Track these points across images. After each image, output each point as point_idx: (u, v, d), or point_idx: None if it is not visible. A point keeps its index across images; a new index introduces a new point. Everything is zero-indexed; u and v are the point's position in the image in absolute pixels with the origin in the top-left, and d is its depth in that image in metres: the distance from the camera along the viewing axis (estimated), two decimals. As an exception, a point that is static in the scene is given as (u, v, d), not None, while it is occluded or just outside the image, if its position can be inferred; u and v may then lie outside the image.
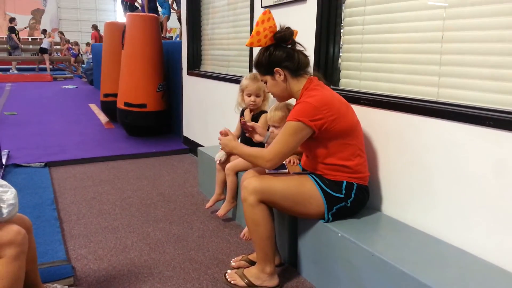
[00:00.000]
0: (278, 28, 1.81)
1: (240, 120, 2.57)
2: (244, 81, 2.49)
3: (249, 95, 2.47)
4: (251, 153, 1.81)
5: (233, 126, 2.66)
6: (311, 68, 1.90)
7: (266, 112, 2.49)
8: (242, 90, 2.51)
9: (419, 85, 1.80)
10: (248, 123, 2.10)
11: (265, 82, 1.90)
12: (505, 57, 1.48)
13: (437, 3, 1.70)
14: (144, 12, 7.32)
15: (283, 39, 1.81)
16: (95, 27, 13.58)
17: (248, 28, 3.05)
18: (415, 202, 1.77)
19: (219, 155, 2.55)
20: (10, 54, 14.70)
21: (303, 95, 1.80)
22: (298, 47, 1.86)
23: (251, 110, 2.55)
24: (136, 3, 8.04)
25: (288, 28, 1.82)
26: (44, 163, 3.66)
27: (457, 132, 1.58)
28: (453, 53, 1.65)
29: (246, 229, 2.36)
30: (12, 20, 14.71)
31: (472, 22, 1.58)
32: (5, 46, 15.14)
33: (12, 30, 14.23)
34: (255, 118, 2.51)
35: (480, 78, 1.56)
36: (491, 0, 1.51)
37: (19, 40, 14.57)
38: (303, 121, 1.69)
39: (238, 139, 2.63)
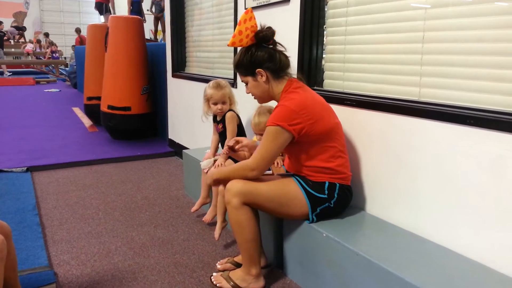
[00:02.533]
0: (259, 28, 1.80)
1: (217, 127, 2.56)
2: (209, 91, 2.46)
3: (215, 104, 2.46)
4: (235, 168, 1.79)
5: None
6: (291, 69, 1.89)
7: (230, 110, 2.48)
8: (207, 100, 2.48)
9: (401, 85, 1.82)
10: (234, 146, 2.06)
11: (246, 84, 1.87)
12: (484, 56, 1.50)
13: (418, 4, 1.72)
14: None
15: (265, 39, 1.79)
16: (78, 31, 13.43)
17: (232, 29, 3.04)
18: (399, 201, 1.78)
19: (206, 164, 2.52)
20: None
21: (282, 98, 1.79)
22: (279, 47, 1.84)
23: (218, 117, 2.54)
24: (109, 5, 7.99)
25: (270, 28, 1.80)
26: (26, 168, 3.59)
27: (438, 131, 1.59)
28: (433, 53, 1.67)
29: (208, 212, 2.48)
30: None
31: (452, 22, 1.60)
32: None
33: None
34: (222, 120, 2.50)
35: (461, 78, 1.58)
36: (471, 1, 1.53)
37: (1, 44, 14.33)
38: (282, 125, 1.68)
39: (217, 143, 2.63)
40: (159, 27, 8.60)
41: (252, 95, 1.91)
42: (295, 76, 1.90)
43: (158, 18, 8.40)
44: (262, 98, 1.90)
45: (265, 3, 2.57)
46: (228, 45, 1.83)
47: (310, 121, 1.71)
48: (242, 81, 1.90)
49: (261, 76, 1.80)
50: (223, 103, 2.45)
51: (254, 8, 2.70)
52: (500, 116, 1.40)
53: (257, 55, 1.78)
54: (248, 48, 1.80)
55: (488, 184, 1.44)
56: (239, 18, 2.90)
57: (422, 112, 1.65)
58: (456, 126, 1.53)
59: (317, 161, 1.77)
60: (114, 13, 8.22)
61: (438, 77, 1.66)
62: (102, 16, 8.21)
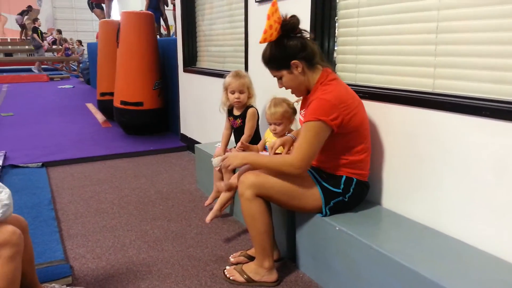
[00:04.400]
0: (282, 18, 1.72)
1: (229, 119, 2.57)
2: (227, 79, 2.46)
3: (233, 92, 2.44)
4: (274, 162, 1.72)
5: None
6: (321, 56, 1.82)
7: (252, 106, 2.48)
8: (225, 88, 2.48)
9: (415, 77, 1.79)
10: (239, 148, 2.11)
11: (280, 78, 1.80)
12: (500, 46, 1.46)
13: (432, -7, 1.69)
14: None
15: (292, 28, 1.72)
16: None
17: (243, 23, 3.03)
18: (414, 195, 1.77)
19: (217, 161, 2.52)
20: (32, 54, 14.86)
21: (318, 90, 1.73)
22: (306, 35, 1.77)
23: (235, 111, 2.54)
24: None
25: (294, 16, 1.73)
26: (41, 163, 3.64)
27: (453, 123, 1.57)
28: (448, 44, 1.64)
29: (210, 196, 2.54)
30: (35, 20, 14.57)
31: (466, 12, 1.57)
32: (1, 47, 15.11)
33: (35, 30, 14.14)
34: (242, 115, 2.50)
35: (476, 68, 1.55)
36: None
37: (42, 40, 14.42)
38: (324, 120, 1.63)
39: (229, 138, 2.64)
40: (167, 22, 8.58)
41: (287, 89, 1.84)
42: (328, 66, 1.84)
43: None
44: (299, 90, 1.83)
45: (276, -4, 2.55)
46: (260, 42, 1.73)
47: (348, 115, 1.67)
48: (274, 76, 1.81)
49: (297, 67, 1.73)
50: (241, 92, 2.44)
51: (264, 0, 2.68)
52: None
53: (290, 46, 1.71)
54: (277, 41, 1.72)
55: (502, 176, 1.42)
56: (249, 11, 2.91)
57: (436, 104, 1.63)
58: (471, 117, 1.50)
59: (345, 155, 1.74)
60: (108, 11, 8.18)
61: (453, 68, 1.63)
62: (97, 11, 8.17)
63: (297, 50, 1.71)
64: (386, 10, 1.90)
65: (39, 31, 14.20)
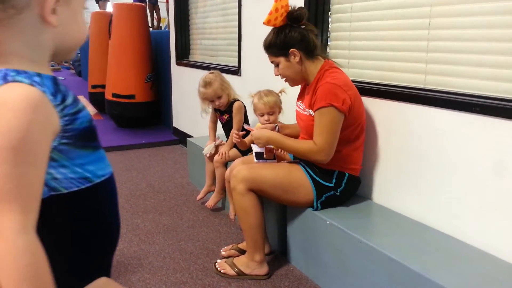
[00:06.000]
0: (290, 8, 1.75)
1: (216, 115, 2.60)
2: (200, 90, 2.46)
3: (212, 101, 2.45)
4: (301, 147, 1.74)
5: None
6: (323, 49, 1.85)
7: (236, 100, 2.48)
8: (202, 99, 2.48)
9: (407, 73, 1.80)
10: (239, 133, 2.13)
11: (276, 65, 1.83)
12: (491, 43, 1.48)
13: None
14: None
15: (298, 19, 1.75)
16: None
17: (236, 16, 3.01)
18: (404, 190, 1.78)
19: (207, 149, 2.54)
20: None
21: (326, 76, 1.75)
22: (310, 27, 1.81)
23: (221, 110, 2.54)
24: None
25: (302, 8, 1.77)
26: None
27: (444, 118, 1.58)
28: (440, 40, 1.65)
29: (211, 197, 2.54)
30: None
31: (458, 9, 1.58)
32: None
33: None
34: (228, 110, 2.50)
35: (467, 65, 1.56)
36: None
37: None
38: (336, 105, 1.64)
39: (215, 130, 2.65)
40: (159, 15, 8.53)
41: (282, 77, 1.86)
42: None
43: (153, 6, 8.36)
44: (294, 79, 1.86)
45: (269, -10, 2.54)
46: (263, 23, 1.76)
47: (354, 102, 1.70)
48: (271, 62, 1.85)
49: (294, 56, 1.76)
50: (219, 97, 2.44)
51: (258, -6, 2.67)
52: (506, 104, 1.39)
53: (290, 36, 1.74)
54: (281, 29, 1.76)
55: (491, 171, 1.44)
56: (243, 5, 2.90)
57: (427, 100, 1.64)
58: (462, 113, 1.51)
59: (342, 148, 1.75)
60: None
61: (444, 64, 1.64)
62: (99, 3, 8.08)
63: (297, 40, 1.75)
64: (379, 6, 1.91)
65: None
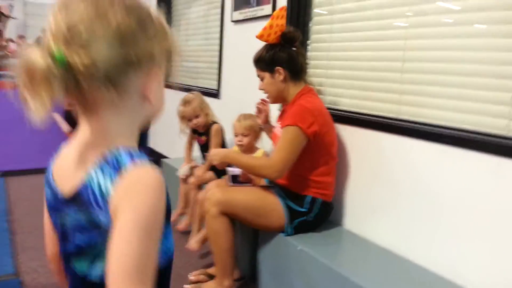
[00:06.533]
0: (286, 29, 1.80)
1: (194, 137, 2.59)
2: (180, 108, 2.48)
3: (190, 120, 2.46)
4: (253, 164, 1.75)
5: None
6: (307, 75, 1.91)
7: (215, 123, 2.48)
8: (181, 118, 2.49)
9: (382, 102, 1.84)
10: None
11: (262, 79, 1.86)
12: (462, 77, 1.53)
13: (399, 23, 1.76)
14: None
15: (291, 40, 1.80)
16: None
17: (218, 41, 3.05)
18: (375, 217, 1.79)
19: (183, 171, 2.51)
20: None
21: (300, 98, 1.79)
22: (301, 51, 1.86)
23: (199, 131, 2.53)
24: None
25: (297, 30, 1.83)
26: (0, 173, 3.49)
27: (416, 149, 1.61)
28: (413, 72, 1.70)
29: (183, 220, 2.46)
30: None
31: (431, 43, 1.64)
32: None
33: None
34: (206, 132, 2.50)
35: (438, 97, 1.61)
36: (450, 23, 1.57)
37: None
38: (301, 127, 1.67)
39: (191, 151, 2.63)
40: None
41: (265, 92, 1.89)
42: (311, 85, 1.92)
43: None
44: (274, 96, 1.89)
45: (251, 17, 2.60)
46: (256, 37, 1.81)
47: (324, 128, 1.72)
48: (257, 75, 1.88)
49: (279, 74, 1.80)
50: (196, 116, 2.44)
51: (240, 21, 2.72)
52: (474, 136, 1.43)
53: (279, 54, 1.79)
54: (272, 46, 1.81)
55: (459, 201, 1.46)
56: (225, 31, 2.94)
57: (401, 130, 1.67)
58: (433, 144, 1.55)
59: (311, 173, 1.76)
60: None
61: (417, 96, 1.69)
62: None
63: (285, 59, 1.79)
64: (355, 37, 1.96)
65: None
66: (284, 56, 1.79)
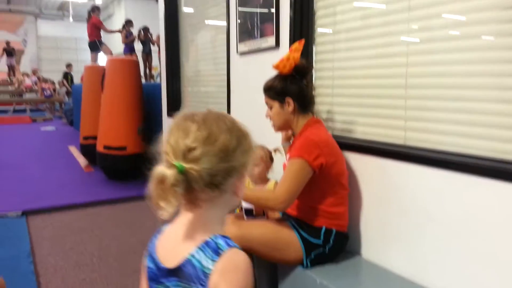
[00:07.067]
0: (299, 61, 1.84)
1: None
2: None
3: None
4: (258, 196, 1.79)
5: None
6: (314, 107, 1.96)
7: None
8: None
9: (388, 129, 1.87)
10: None
11: (270, 107, 1.89)
12: (465, 103, 1.55)
13: (399, 48, 1.79)
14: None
15: (303, 72, 1.85)
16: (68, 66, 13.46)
17: (226, 72, 3.11)
18: (391, 246, 1.80)
19: None
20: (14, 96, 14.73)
21: (306, 131, 1.82)
22: (311, 84, 1.90)
23: None
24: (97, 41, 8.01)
25: (310, 63, 1.88)
26: (21, 212, 3.58)
27: (424, 176, 1.63)
28: (416, 98, 1.73)
29: None
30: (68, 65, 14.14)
31: (432, 70, 1.67)
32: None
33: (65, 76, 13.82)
34: None
35: (443, 123, 1.63)
36: (450, 49, 1.60)
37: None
38: (306, 159, 1.69)
39: None
40: (151, 64, 8.83)
41: (271, 120, 1.92)
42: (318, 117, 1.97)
43: (146, 56, 8.68)
44: (280, 126, 1.92)
45: (256, 49, 2.66)
46: (273, 66, 1.85)
47: (331, 159, 1.74)
48: (266, 103, 1.90)
49: (289, 105, 1.84)
50: None
51: (246, 53, 2.79)
52: (482, 162, 1.45)
53: (291, 86, 1.83)
54: (285, 76, 1.84)
55: (474, 227, 1.47)
56: (231, 64, 3.01)
57: (408, 157, 1.70)
58: (440, 170, 1.56)
59: (322, 204, 1.78)
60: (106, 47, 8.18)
61: (422, 122, 1.72)
62: (92, 54, 8.18)
63: (296, 91, 1.83)
64: (358, 66, 2.01)
65: (69, 76, 13.87)
66: (295, 88, 1.83)
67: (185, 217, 0.82)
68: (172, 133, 0.79)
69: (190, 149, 0.75)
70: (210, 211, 0.81)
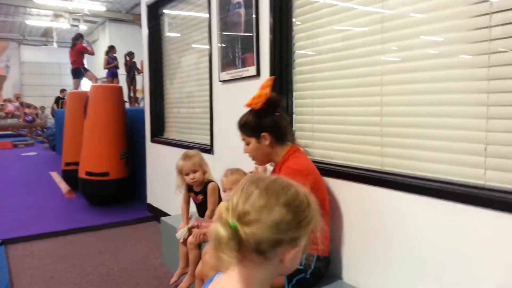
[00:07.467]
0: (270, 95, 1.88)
1: (190, 195, 2.64)
2: (179, 162, 2.54)
3: (187, 174, 2.52)
4: None
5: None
6: (292, 135, 1.99)
7: (211, 181, 2.55)
8: (179, 172, 2.56)
9: (366, 155, 1.93)
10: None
11: (247, 144, 1.93)
12: (440, 130, 1.62)
13: (373, 77, 1.87)
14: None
15: (274, 105, 1.89)
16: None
17: (208, 98, 3.16)
18: (371, 270, 1.83)
19: (180, 233, 2.54)
20: None
21: (288, 160, 1.86)
22: (284, 116, 1.95)
23: (195, 188, 2.60)
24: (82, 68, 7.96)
25: (279, 96, 1.93)
26: (0, 241, 3.50)
27: (401, 201, 1.68)
28: (390, 126, 1.81)
29: (184, 280, 2.48)
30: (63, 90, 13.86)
31: (406, 99, 1.75)
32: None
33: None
34: (203, 191, 2.56)
35: (418, 149, 1.70)
36: (425, 79, 1.67)
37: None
38: None
39: (188, 211, 2.68)
40: (135, 87, 8.90)
41: (250, 156, 1.96)
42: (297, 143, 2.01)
43: (131, 80, 8.77)
44: (261, 160, 1.96)
45: (237, 77, 2.73)
46: (245, 105, 1.89)
47: (314, 186, 1.77)
48: (242, 140, 1.94)
49: (265, 139, 1.87)
50: (194, 171, 2.51)
51: (227, 81, 2.86)
52: (455, 188, 1.51)
53: (265, 120, 1.87)
54: (257, 112, 1.88)
55: (450, 250, 1.51)
56: (214, 91, 3.07)
57: (385, 182, 1.75)
58: (417, 196, 1.62)
59: None
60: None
61: (397, 148, 1.78)
62: (75, 80, 8.06)
63: (270, 125, 1.87)
64: (337, 94, 2.08)
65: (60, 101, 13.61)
66: (269, 121, 1.87)
67: (233, 271, 0.85)
68: (236, 193, 0.86)
69: (245, 213, 0.81)
70: (254, 273, 0.85)
